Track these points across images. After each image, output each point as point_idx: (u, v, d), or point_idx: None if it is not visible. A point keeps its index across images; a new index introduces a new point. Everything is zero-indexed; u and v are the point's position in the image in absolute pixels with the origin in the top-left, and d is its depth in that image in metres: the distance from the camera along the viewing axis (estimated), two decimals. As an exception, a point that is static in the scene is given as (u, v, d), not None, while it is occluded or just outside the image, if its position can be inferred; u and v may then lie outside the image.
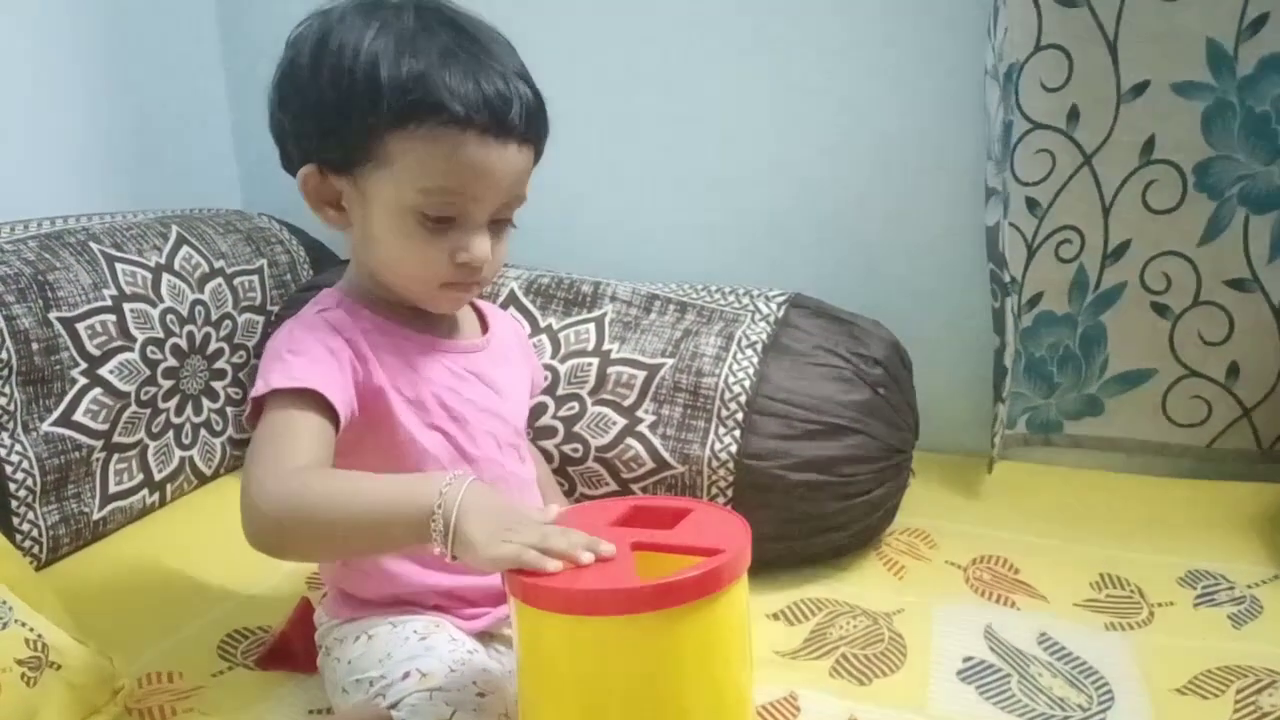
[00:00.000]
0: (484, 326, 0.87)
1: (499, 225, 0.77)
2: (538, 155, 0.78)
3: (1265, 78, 1.09)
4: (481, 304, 0.88)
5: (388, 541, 0.69)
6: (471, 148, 0.71)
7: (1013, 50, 1.14)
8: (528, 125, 0.73)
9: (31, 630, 0.73)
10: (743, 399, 1.03)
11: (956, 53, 1.20)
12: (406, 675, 0.69)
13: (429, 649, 0.72)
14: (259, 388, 0.71)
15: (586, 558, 0.60)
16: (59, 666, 0.73)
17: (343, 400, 0.71)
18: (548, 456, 1.05)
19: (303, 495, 0.65)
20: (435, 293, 0.77)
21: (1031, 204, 1.21)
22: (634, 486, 1.04)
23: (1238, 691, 0.82)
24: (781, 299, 1.14)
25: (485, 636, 0.79)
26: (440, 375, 0.78)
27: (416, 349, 0.78)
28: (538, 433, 1.06)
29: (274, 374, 0.70)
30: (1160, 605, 0.96)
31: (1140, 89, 1.14)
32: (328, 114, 0.72)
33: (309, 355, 0.72)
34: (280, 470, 0.66)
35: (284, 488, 0.65)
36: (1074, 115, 1.17)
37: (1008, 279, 1.16)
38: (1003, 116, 1.13)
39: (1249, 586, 0.98)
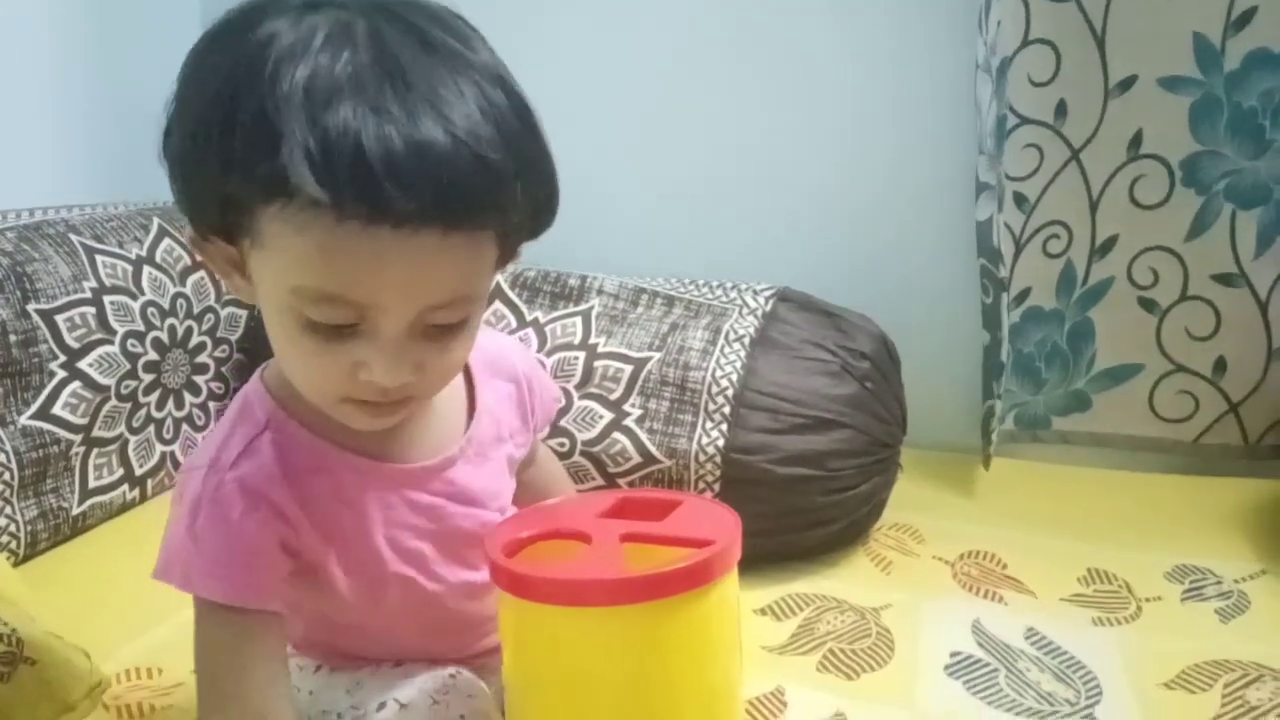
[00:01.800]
0: (471, 399, 0.69)
1: (443, 330, 0.55)
2: (522, 229, 0.57)
3: (1252, 73, 1.09)
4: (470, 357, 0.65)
5: None
6: (353, 242, 0.49)
7: (1001, 44, 1.13)
8: (454, 204, 0.49)
9: (6, 626, 0.72)
10: (730, 393, 1.02)
11: (946, 46, 1.20)
12: (382, 705, 0.63)
13: (406, 674, 0.66)
14: (172, 578, 0.59)
15: None
16: (34, 663, 0.72)
17: (272, 593, 0.60)
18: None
19: None
20: (341, 409, 0.57)
21: (1019, 199, 1.21)
22: (620, 481, 1.03)
23: (1225, 686, 0.82)
24: (769, 293, 1.14)
25: (472, 666, 0.71)
26: (399, 513, 0.64)
27: (359, 486, 0.62)
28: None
29: (193, 571, 0.58)
30: (1148, 600, 0.96)
31: (1128, 84, 1.14)
32: (189, 167, 0.53)
33: (217, 556, 0.58)
34: (227, 699, 0.59)
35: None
36: (1062, 110, 1.16)
37: (1001, 274, 1.16)
38: (996, 110, 1.13)
39: (1236, 581, 0.99)
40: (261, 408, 0.62)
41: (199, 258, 0.58)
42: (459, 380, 0.67)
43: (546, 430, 0.91)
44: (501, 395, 0.71)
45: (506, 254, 0.58)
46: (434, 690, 0.65)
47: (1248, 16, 1.08)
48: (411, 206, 0.48)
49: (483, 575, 0.66)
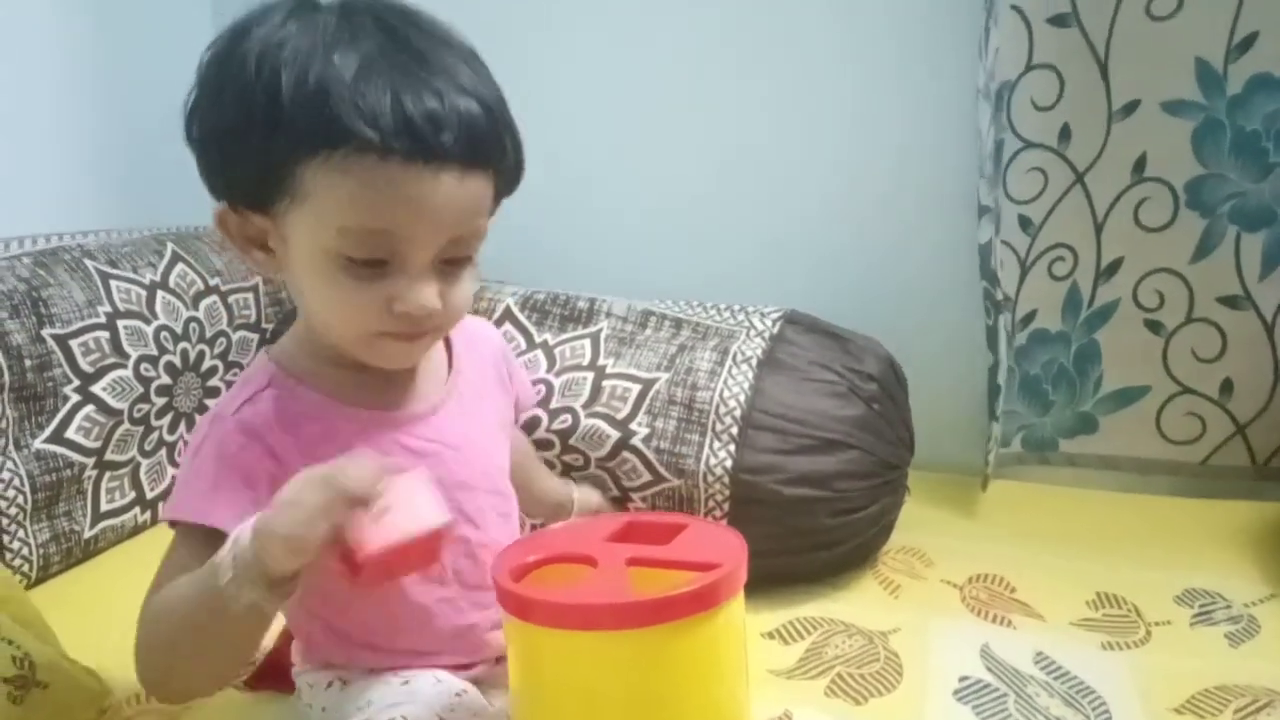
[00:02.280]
0: (450, 361, 0.76)
1: (453, 265, 0.65)
2: (505, 182, 0.67)
3: (1254, 96, 1.10)
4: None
5: (218, 624, 0.59)
6: (395, 177, 0.59)
7: (1004, 69, 1.14)
8: (471, 147, 0.61)
9: (19, 649, 0.72)
10: (738, 413, 1.03)
11: (952, 72, 1.21)
12: None
13: (413, 693, 0.67)
14: (165, 509, 0.65)
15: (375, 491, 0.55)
16: (46, 685, 0.73)
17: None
18: (549, 465, 1.04)
19: (140, 625, 0.61)
20: (373, 345, 0.65)
21: (1024, 222, 1.21)
22: (635, 496, 1.04)
23: (1236, 711, 0.81)
24: (777, 315, 1.14)
25: (476, 684, 0.73)
26: (393, 459, 0.66)
27: (359, 431, 0.67)
28: (534, 446, 1.06)
29: (178, 498, 0.64)
30: (1157, 624, 0.96)
31: (1131, 108, 1.15)
32: (231, 144, 0.62)
33: (213, 481, 0.63)
34: (149, 607, 0.63)
35: (144, 624, 0.62)
36: (1065, 134, 1.17)
37: (1000, 296, 1.17)
38: (994, 135, 1.13)
39: (1246, 605, 0.98)
40: (264, 373, 0.68)
41: (222, 235, 0.66)
42: (439, 346, 0.75)
43: (529, 412, 0.99)
44: (477, 359, 0.79)
45: (495, 202, 0.67)
46: (441, 708, 0.66)
47: (1249, 41, 1.09)
48: (442, 145, 0.59)
49: (480, 533, 0.72)
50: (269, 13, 0.62)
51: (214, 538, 0.61)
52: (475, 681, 0.73)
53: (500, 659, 0.73)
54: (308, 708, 0.73)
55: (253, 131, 0.60)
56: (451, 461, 0.71)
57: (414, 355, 0.70)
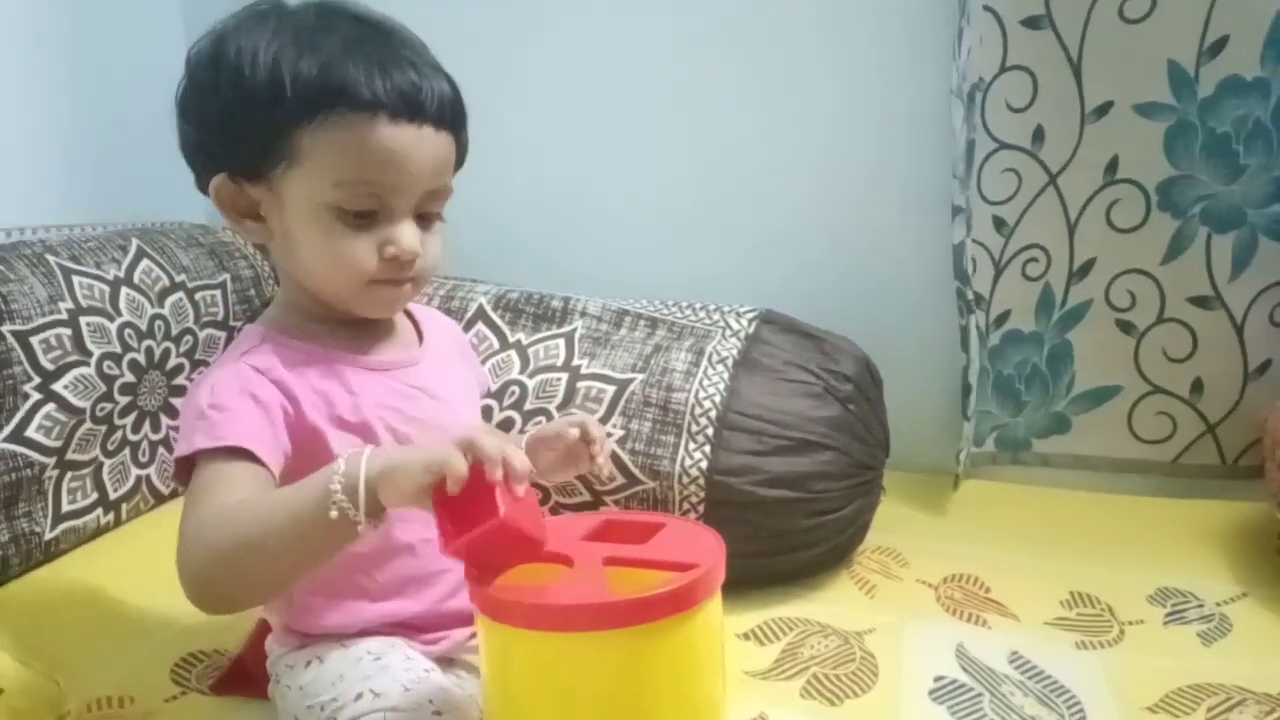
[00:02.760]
0: (420, 336, 0.84)
1: (427, 220, 0.75)
2: (460, 150, 0.76)
3: (1225, 99, 1.11)
4: (415, 309, 0.86)
5: (310, 543, 0.62)
6: (384, 133, 0.68)
7: (978, 71, 1.15)
8: (442, 110, 0.71)
9: (-26, 654, 0.70)
10: (713, 414, 1.02)
11: (929, 75, 1.21)
12: (359, 696, 0.67)
13: (383, 668, 0.70)
14: (182, 448, 0.67)
15: (498, 473, 0.57)
16: (2, 691, 0.71)
17: (273, 451, 0.68)
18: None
19: (210, 536, 0.63)
20: (365, 293, 0.73)
21: (998, 222, 1.22)
22: (608, 499, 1.03)
23: (1208, 710, 0.82)
24: (752, 315, 1.14)
25: (445, 662, 0.77)
26: (382, 395, 0.75)
27: (351, 371, 0.75)
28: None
29: (198, 434, 0.67)
30: (1130, 623, 0.96)
31: (1103, 109, 1.15)
32: (232, 118, 0.70)
33: (232, 410, 0.68)
34: (201, 518, 0.64)
35: (197, 537, 0.63)
36: (1039, 135, 1.18)
37: (971, 296, 1.17)
38: (966, 135, 1.14)
39: (1218, 604, 0.99)
40: (255, 334, 0.75)
41: (217, 206, 0.73)
42: (405, 320, 0.83)
43: (499, 413, 1.06)
44: (440, 334, 0.87)
45: (456, 166, 0.77)
46: (408, 681, 0.68)
47: (1220, 44, 1.10)
48: (422, 106, 0.69)
49: None
50: (254, 13, 0.72)
51: (248, 462, 0.66)
52: (445, 658, 0.77)
53: (471, 636, 0.76)
54: (286, 689, 0.74)
55: (253, 107, 0.68)
56: (434, 409, 0.77)
57: (398, 303, 0.78)
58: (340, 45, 0.68)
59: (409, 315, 0.85)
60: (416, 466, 0.58)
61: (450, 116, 0.73)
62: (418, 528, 0.75)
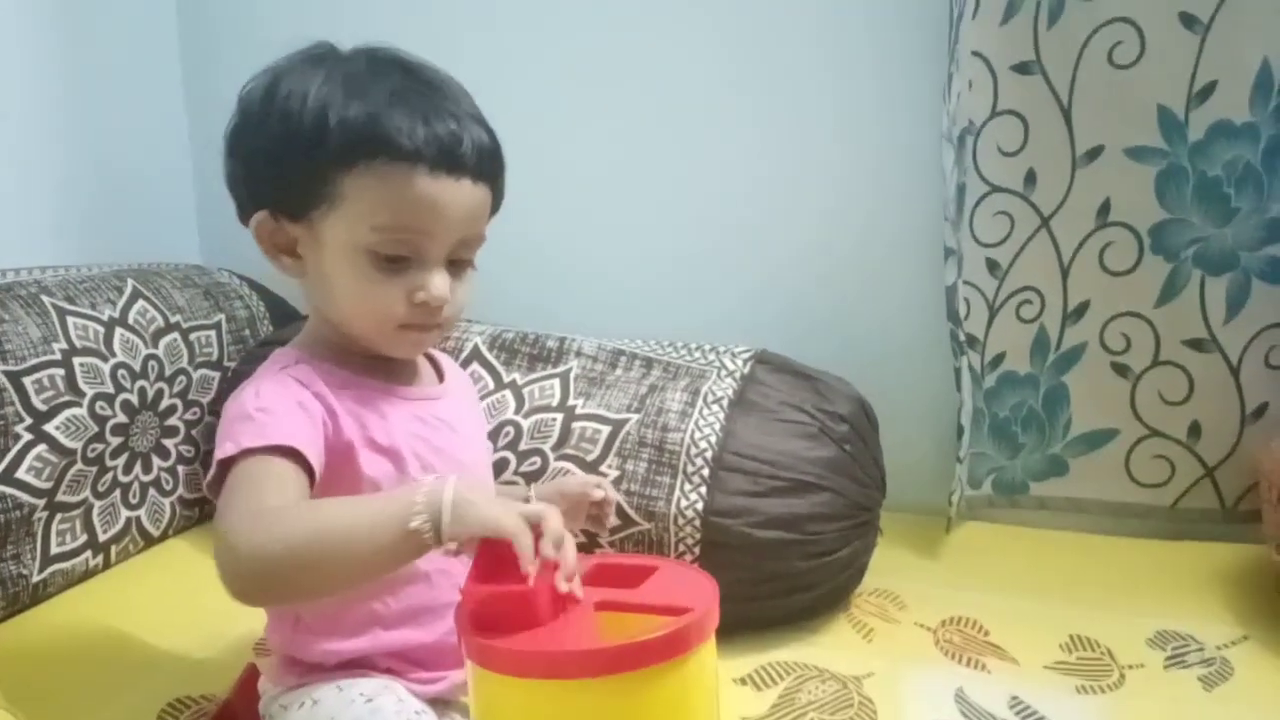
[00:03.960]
0: (440, 375, 0.85)
1: (458, 266, 0.76)
2: (496, 198, 0.78)
3: (1215, 142, 1.12)
4: (434, 353, 0.87)
5: (377, 555, 0.64)
6: (422, 183, 0.70)
7: (968, 115, 1.16)
8: (480, 162, 0.73)
9: (-44, 699, 0.69)
10: (709, 454, 1.02)
11: (919, 117, 1.22)
12: None
13: (375, 710, 0.69)
14: (227, 449, 0.67)
15: (549, 551, 0.61)
16: (-16, 738, 0.69)
17: (317, 459, 0.69)
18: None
19: (282, 529, 0.63)
20: (393, 335, 0.75)
21: (992, 265, 1.23)
22: (603, 541, 1.02)
23: (1211, 755, 0.81)
24: (747, 355, 1.14)
25: (441, 705, 0.76)
26: (411, 424, 0.77)
27: (384, 398, 0.76)
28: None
29: (245, 435, 0.67)
30: (1130, 667, 0.95)
31: (1095, 153, 1.16)
32: (278, 158, 0.72)
33: (280, 413, 0.69)
34: (258, 512, 0.64)
35: (262, 527, 0.63)
36: (1031, 179, 1.19)
37: (963, 337, 1.17)
38: (956, 179, 1.15)
39: (1219, 648, 0.98)
40: (288, 354, 0.77)
41: (256, 240, 0.75)
42: (426, 362, 0.85)
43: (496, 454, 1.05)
44: (459, 378, 0.89)
45: (491, 213, 0.78)
46: None
47: (1209, 90, 1.11)
48: (461, 158, 0.71)
49: None
50: (309, 56, 0.75)
51: (294, 464, 0.67)
52: (441, 699, 0.76)
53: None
54: None
55: (298, 148, 0.71)
56: (453, 442, 0.79)
57: (424, 346, 0.81)
58: (386, 95, 0.71)
59: (429, 357, 0.87)
60: (490, 519, 0.61)
61: (488, 168, 0.75)
62: (435, 558, 0.74)
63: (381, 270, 0.72)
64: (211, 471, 0.68)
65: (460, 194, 0.72)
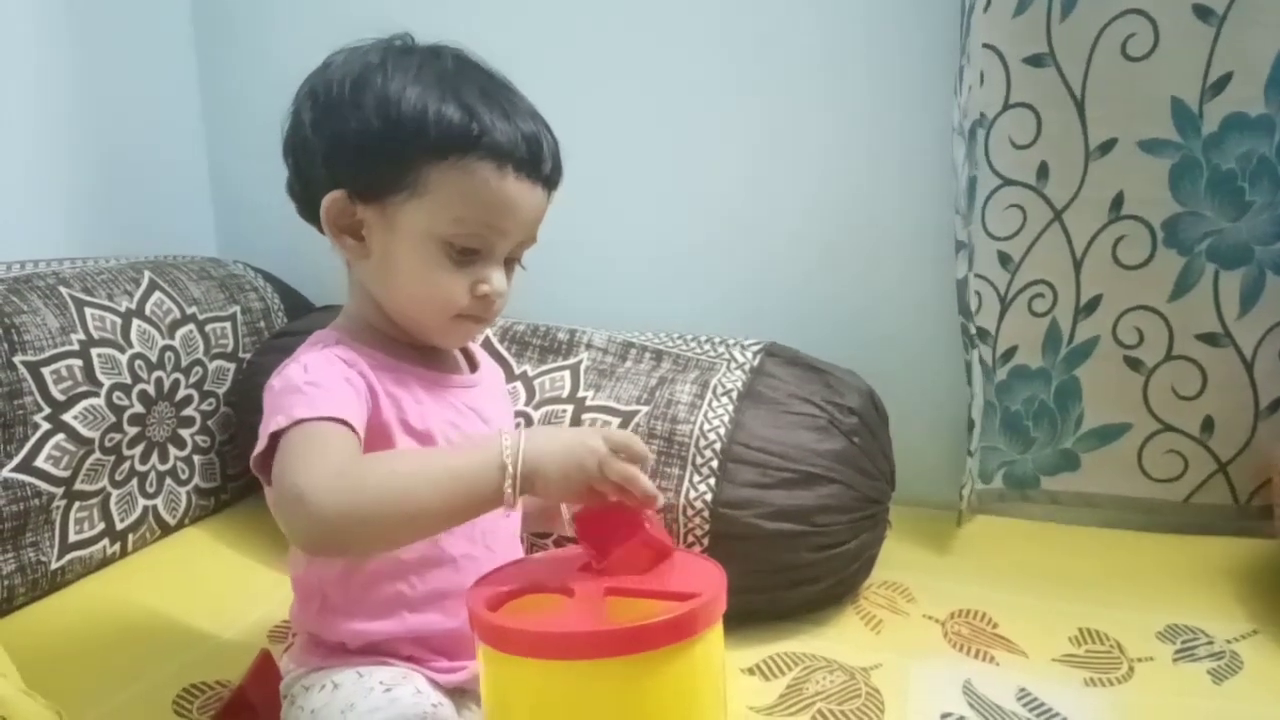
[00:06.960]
0: (473, 365, 0.87)
1: (510, 264, 0.79)
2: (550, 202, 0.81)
3: (1229, 135, 1.12)
4: (468, 344, 0.88)
5: (457, 503, 0.67)
6: (508, 183, 0.74)
7: (979, 108, 1.16)
8: (554, 171, 0.78)
9: (-24, 681, 0.70)
10: (718, 446, 1.02)
11: (933, 107, 1.22)
12: None
13: (393, 700, 0.70)
14: (279, 422, 0.68)
15: (642, 485, 0.66)
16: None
17: (362, 431, 0.70)
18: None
19: (364, 479, 0.64)
20: (447, 324, 0.78)
21: (1004, 258, 1.22)
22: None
23: (1220, 748, 0.81)
24: (757, 348, 1.14)
25: (459, 694, 0.77)
26: (444, 411, 0.78)
27: (420, 383, 0.78)
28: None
29: (297, 407, 0.68)
30: (1140, 660, 0.95)
31: (1108, 146, 1.16)
32: (370, 142, 0.73)
33: (329, 386, 0.71)
34: (328, 467, 0.65)
35: (340, 479, 0.64)
36: (1044, 172, 1.18)
37: (974, 330, 1.17)
38: (968, 171, 1.14)
39: (1228, 641, 0.98)
40: (329, 336, 0.78)
41: (324, 217, 0.76)
42: (460, 353, 0.87)
43: None
44: (493, 372, 0.91)
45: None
46: (414, 716, 0.69)
47: (1223, 82, 1.10)
48: (543, 165, 0.76)
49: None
50: (397, 49, 0.77)
51: (347, 430, 0.69)
52: (460, 689, 0.77)
53: None
54: (299, 711, 0.74)
55: (394, 136, 0.72)
56: (482, 431, 0.80)
57: (470, 336, 0.85)
58: (479, 94, 0.74)
59: (463, 347, 0.88)
60: (576, 493, 0.67)
61: (557, 175, 0.79)
62: (463, 543, 0.77)
63: (452, 260, 0.75)
64: (261, 445, 0.69)
65: (534, 197, 0.76)
